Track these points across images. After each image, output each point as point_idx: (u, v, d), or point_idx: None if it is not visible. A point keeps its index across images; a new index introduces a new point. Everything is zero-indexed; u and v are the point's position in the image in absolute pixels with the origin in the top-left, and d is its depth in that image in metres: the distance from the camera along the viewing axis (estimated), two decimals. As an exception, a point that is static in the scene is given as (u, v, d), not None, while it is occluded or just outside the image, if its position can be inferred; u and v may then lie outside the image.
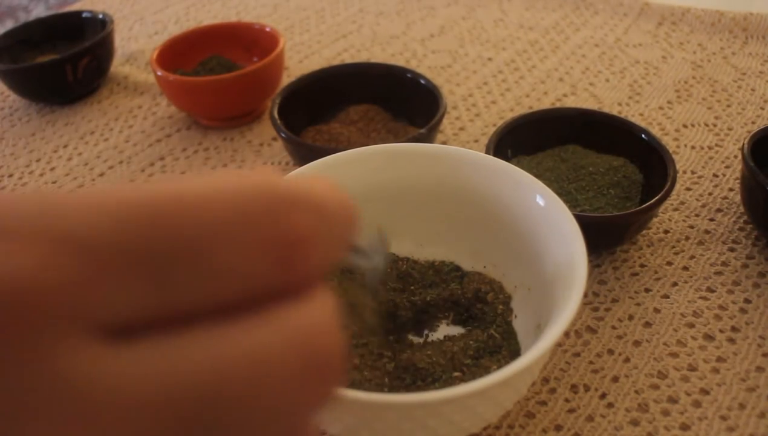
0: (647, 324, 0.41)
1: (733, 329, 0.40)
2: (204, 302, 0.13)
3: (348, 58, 0.74)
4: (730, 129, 0.58)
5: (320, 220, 0.13)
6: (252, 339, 0.12)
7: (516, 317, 0.38)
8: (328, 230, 0.14)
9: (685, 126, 0.59)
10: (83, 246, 0.11)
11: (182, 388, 0.12)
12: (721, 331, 0.40)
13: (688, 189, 0.51)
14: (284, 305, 0.13)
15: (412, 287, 0.40)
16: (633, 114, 0.61)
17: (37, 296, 0.11)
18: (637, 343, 0.40)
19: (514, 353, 0.36)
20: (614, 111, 0.61)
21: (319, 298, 0.14)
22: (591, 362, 0.39)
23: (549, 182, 0.46)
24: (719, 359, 0.38)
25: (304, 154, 0.49)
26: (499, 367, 0.34)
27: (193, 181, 0.13)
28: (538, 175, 0.43)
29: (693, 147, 0.56)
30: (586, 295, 0.43)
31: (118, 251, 0.12)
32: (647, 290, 0.43)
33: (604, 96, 0.64)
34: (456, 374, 0.35)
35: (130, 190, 0.12)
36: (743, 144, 0.45)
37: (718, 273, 0.44)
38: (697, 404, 0.36)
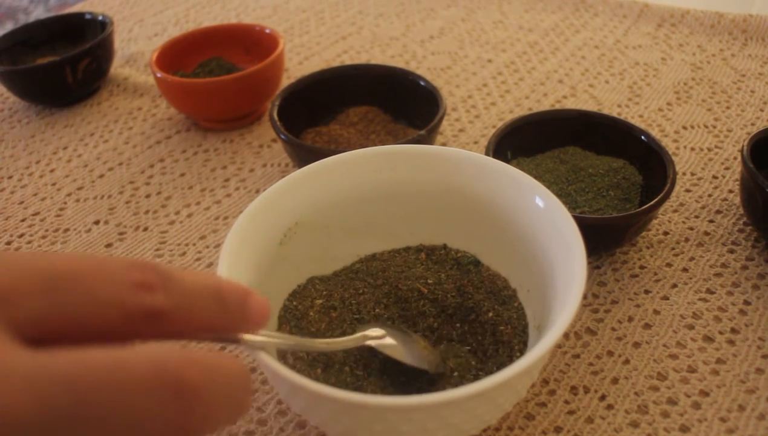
0: (647, 326, 0.41)
1: (733, 330, 0.40)
2: (86, 325, 0.18)
3: (348, 60, 0.74)
4: (729, 131, 0.58)
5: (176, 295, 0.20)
6: (119, 353, 0.17)
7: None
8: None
9: (684, 128, 0.59)
10: (12, 268, 0.18)
11: (63, 378, 0.16)
12: (720, 332, 0.40)
13: (688, 191, 0.51)
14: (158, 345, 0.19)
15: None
16: (632, 116, 0.61)
17: None
18: (636, 344, 0.40)
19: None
20: (614, 113, 0.62)
21: (194, 350, 0.19)
22: (590, 364, 0.39)
23: (548, 184, 0.46)
24: (719, 361, 0.38)
25: (304, 155, 0.49)
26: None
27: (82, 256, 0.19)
28: (537, 177, 0.43)
29: (692, 149, 0.56)
30: (585, 296, 0.43)
31: (31, 276, 0.18)
32: (647, 292, 0.43)
33: (603, 98, 0.64)
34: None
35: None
36: (743, 146, 0.45)
37: (718, 275, 0.44)
38: (696, 405, 0.36)
